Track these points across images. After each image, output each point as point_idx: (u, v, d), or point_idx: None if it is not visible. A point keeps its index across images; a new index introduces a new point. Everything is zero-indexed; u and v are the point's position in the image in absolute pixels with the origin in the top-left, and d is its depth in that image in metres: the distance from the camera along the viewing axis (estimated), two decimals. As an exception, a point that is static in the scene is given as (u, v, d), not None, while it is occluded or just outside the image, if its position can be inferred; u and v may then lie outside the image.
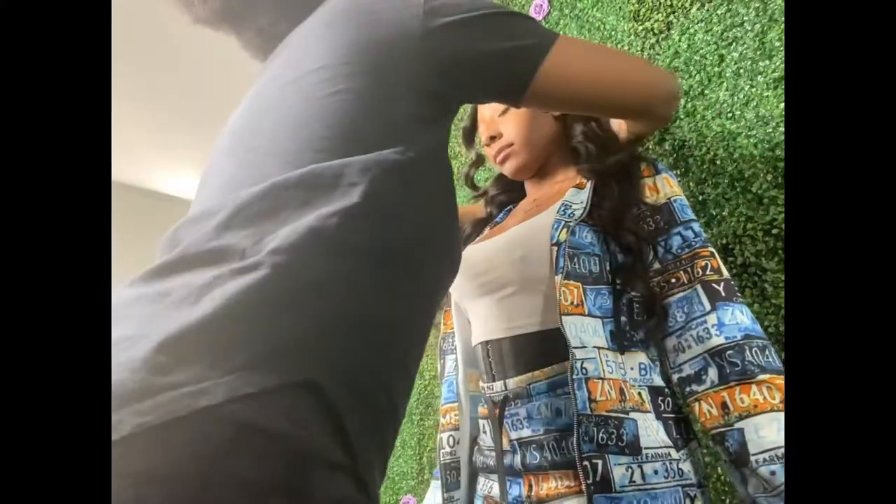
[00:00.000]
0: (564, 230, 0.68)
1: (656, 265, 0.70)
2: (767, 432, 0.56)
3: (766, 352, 0.61)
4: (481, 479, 0.80)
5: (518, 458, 0.70)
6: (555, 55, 0.57)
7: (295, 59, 0.56)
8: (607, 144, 0.81)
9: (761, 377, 0.59)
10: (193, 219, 0.46)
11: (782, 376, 0.59)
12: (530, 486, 0.69)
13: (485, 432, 0.78)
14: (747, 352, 0.60)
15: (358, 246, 0.43)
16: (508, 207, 0.96)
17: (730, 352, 0.61)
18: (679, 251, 0.69)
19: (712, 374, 0.62)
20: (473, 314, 0.81)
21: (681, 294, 0.67)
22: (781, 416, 0.57)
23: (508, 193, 0.97)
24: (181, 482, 0.29)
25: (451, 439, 0.85)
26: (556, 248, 0.67)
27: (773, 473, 0.55)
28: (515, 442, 0.71)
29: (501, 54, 0.55)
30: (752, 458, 0.56)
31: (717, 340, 0.62)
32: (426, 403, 1.58)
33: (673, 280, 0.68)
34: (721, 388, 0.61)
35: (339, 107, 0.50)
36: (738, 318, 0.63)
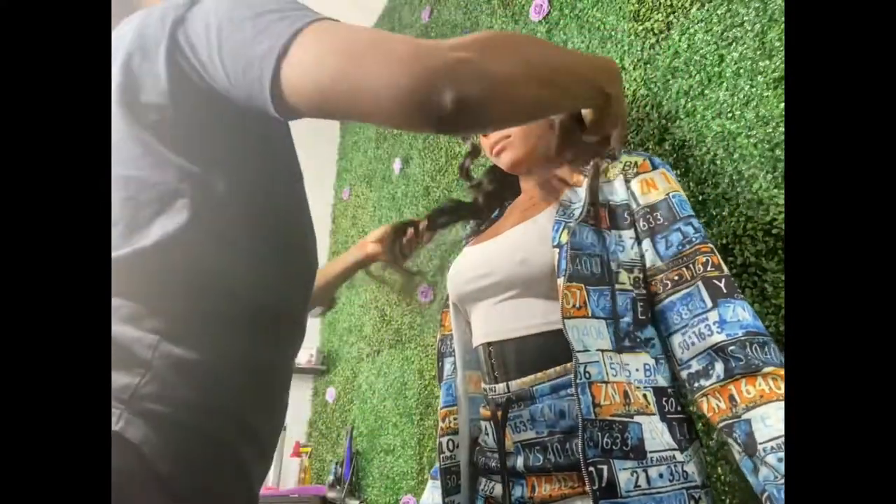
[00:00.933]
0: (565, 232, 0.68)
1: (658, 263, 0.70)
2: (774, 421, 0.56)
3: (767, 348, 0.61)
4: (483, 480, 0.79)
5: (521, 460, 0.70)
6: (291, 57, 0.45)
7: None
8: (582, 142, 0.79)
9: (766, 369, 0.59)
10: None
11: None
12: (533, 488, 0.68)
13: (487, 434, 0.78)
14: (748, 349, 0.60)
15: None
16: (505, 205, 0.96)
17: (732, 348, 0.61)
18: (680, 247, 0.68)
19: (718, 368, 0.62)
20: (474, 316, 0.80)
21: (683, 291, 0.67)
22: None
23: (502, 187, 0.97)
24: None
25: (450, 443, 0.84)
26: (558, 250, 0.67)
27: (780, 461, 0.55)
28: (518, 444, 0.71)
29: (239, 68, 0.46)
30: (760, 447, 0.56)
31: (719, 337, 0.62)
32: (426, 403, 1.58)
33: (675, 277, 0.68)
34: (727, 381, 0.61)
35: (121, 164, 0.49)
36: (740, 315, 0.63)
